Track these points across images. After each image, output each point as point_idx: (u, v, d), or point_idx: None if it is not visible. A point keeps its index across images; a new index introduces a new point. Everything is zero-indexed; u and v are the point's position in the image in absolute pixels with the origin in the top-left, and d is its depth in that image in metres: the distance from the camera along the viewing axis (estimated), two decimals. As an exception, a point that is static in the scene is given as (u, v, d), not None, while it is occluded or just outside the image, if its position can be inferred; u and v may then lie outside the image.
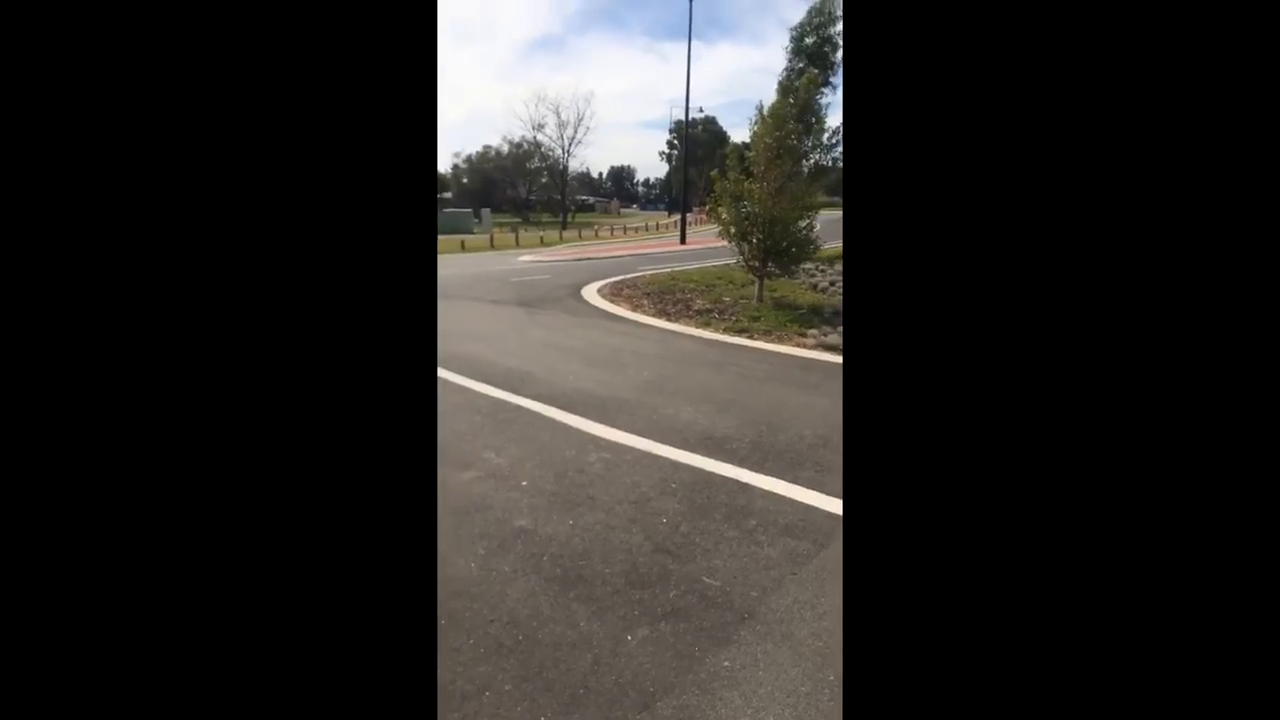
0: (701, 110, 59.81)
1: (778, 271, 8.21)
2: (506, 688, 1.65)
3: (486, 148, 50.79)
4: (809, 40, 11.65)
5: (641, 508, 2.62)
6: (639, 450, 3.23)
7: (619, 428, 3.53)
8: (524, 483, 2.84)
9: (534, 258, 16.72)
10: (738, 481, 2.87)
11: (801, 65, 11.56)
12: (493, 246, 20.90)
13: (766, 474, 2.94)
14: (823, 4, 11.57)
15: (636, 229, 35.07)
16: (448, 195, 45.19)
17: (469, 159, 50.72)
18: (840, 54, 11.58)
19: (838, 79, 11.53)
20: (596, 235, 29.79)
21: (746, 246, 7.90)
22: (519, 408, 3.89)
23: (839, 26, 11.45)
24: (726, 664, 1.74)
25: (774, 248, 7.71)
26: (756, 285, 8.10)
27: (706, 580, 2.12)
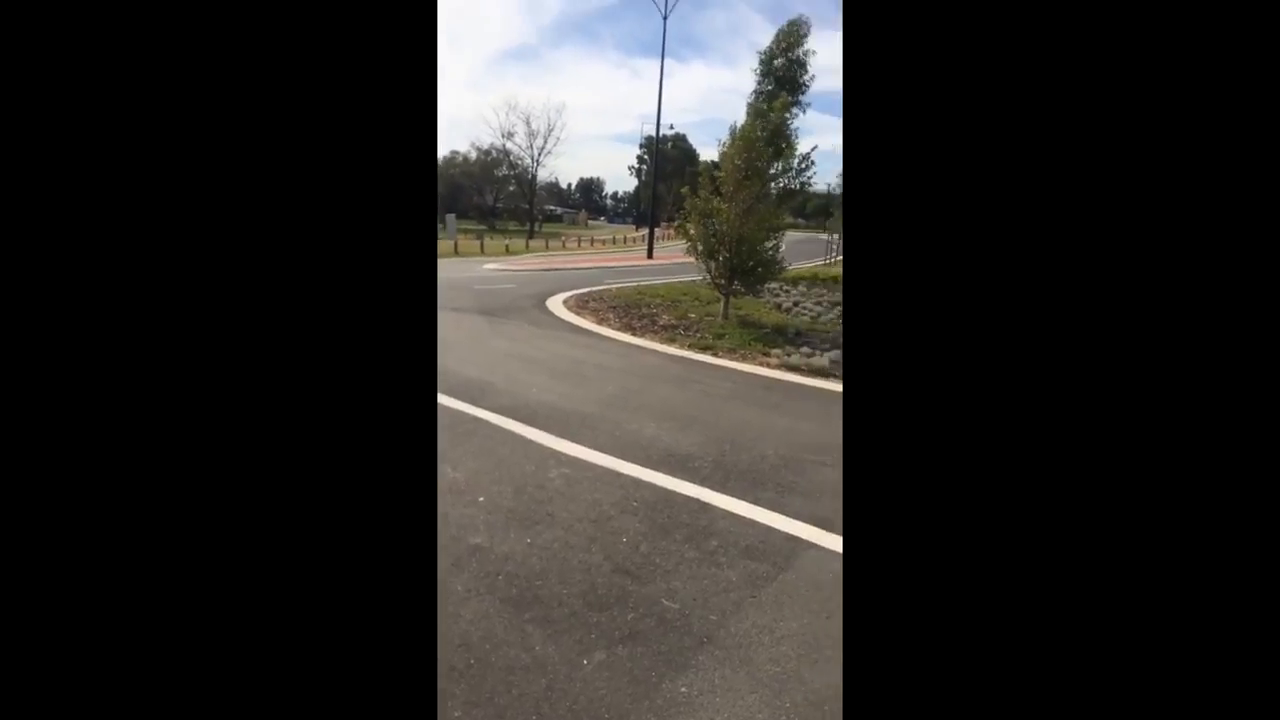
0: (672, 127, 60.41)
1: (743, 290, 8.29)
2: (456, 714, 1.58)
3: (454, 153, 50.30)
4: (778, 61, 11.85)
5: (601, 526, 2.58)
6: (600, 467, 3.19)
7: (581, 443, 3.48)
8: (481, 498, 2.77)
9: (499, 266, 16.57)
10: (699, 501, 2.85)
11: (770, 87, 11.74)
12: (457, 253, 20.64)
13: (728, 494, 2.93)
14: (791, 26, 11.79)
15: (604, 241, 35.06)
16: (413, 199, 44.22)
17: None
18: (809, 75, 11.78)
19: (806, 98, 11.73)
20: (564, 246, 29.70)
21: (713, 264, 7.96)
22: (478, 420, 3.81)
23: (806, 46, 11.65)
24: (684, 690, 1.71)
25: (740, 266, 7.78)
26: (722, 303, 8.16)
27: (666, 603, 2.09)
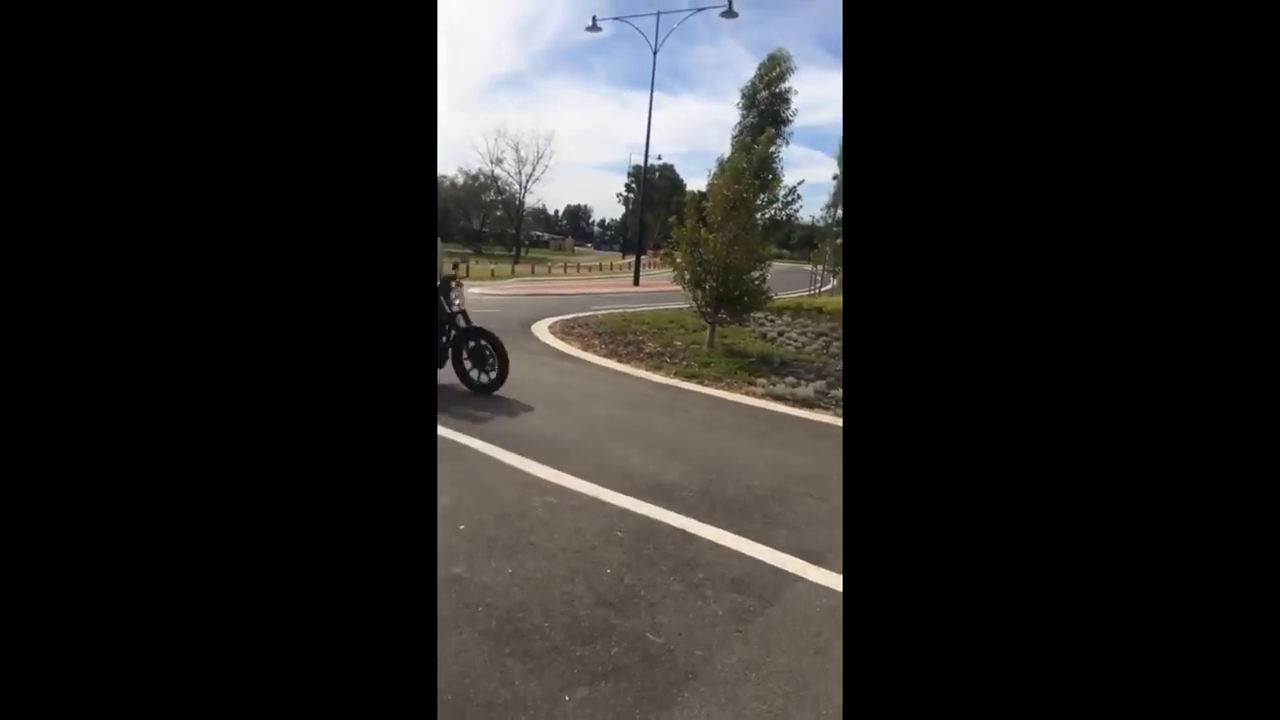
0: (660, 158, 60.99)
1: (729, 319, 8.33)
2: (431, 755, 1.52)
3: (442, 177, 50.43)
4: (761, 95, 12.06)
5: (585, 557, 2.53)
6: (585, 495, 3.14)
7: (565, 470, 3.44)
8: (462, 526, 2.71)
9: (484, 291, 16.52)
10: (684, 532, 2.81)
11: (753, 120, 11.93)
12: (444, 276, 20.58)
13: (714, 525, 2.89)
14: (772, 60, 12.01)
15: (590, 268, 35.18)
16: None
17: (424, 187, 49.98)
18: (791, 109, 11.99)
19: (789, 130, 11.92)
20: (550, 271, 29.76)
21: (700, 293, 7.99)
22: (461, 445, 3.75)
23: (788, 82, 11.88)
24: (668, 729, 1.66)
25: (726, 295, 7.82)
26: (708, 331, 8.18)
27: (650, 637, 2.04)
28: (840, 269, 21.76)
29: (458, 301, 5.21)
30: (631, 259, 27.51)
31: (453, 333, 5.17)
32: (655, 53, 20.64)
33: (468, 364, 5.09)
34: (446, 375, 5.02)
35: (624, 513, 2.97)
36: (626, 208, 62.53)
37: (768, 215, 8.50)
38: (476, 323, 5.33)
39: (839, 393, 5.73)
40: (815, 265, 24.11)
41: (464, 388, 5.06)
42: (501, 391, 5.04)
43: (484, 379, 5.06)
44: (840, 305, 13.87)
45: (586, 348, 7.76)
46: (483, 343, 5.12)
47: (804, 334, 9.90)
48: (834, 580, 2.46)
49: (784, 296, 13.62)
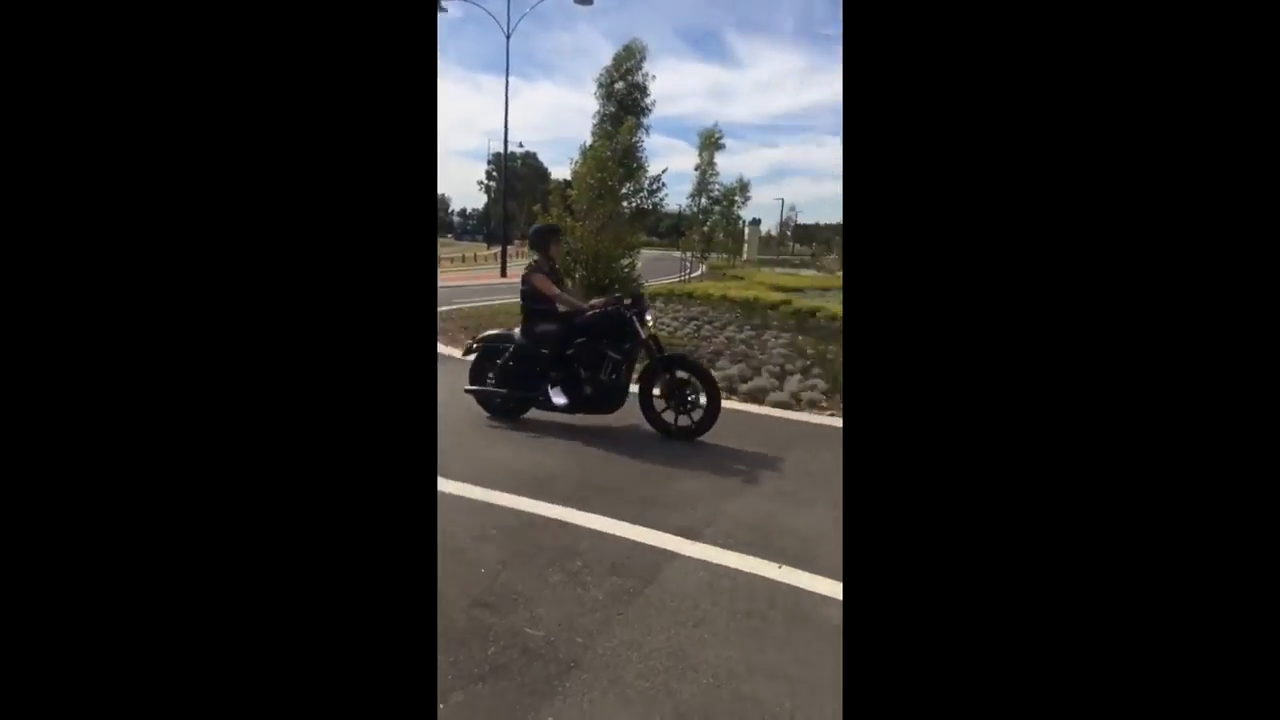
0: (521, 145, 59.75)
1: (600, 307, 8.35)
2: (288, 791, 1.38)
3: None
4: (618, 85, 12.12)
5: (456, 559, 2.42)
6: (453, 495, 3.01)
7: (434, 470, 3.27)
8: (320, 538, 2.50)
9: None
10: (560, 522, 2.77)
11: (612, 109, 11.98)
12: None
13: (591, 511, 2.87)
14: (627, 50, 12.10)
15: (452, 259, 33.68)
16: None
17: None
18: (650, 99, 12.17)
19: (648, 121, 12.07)
20: (411, 266, 28.25)
21: (570, 281, 7.94)
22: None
23: (644, 72, 12.03)
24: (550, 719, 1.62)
25: (597, 283, 7.84)
26: (579, 320, 8.16)
27: (529, 631, 1.98)
28: (708, 255, 22.45)
29: (650, 322, 4.13)
30: (496, 250, 26.82)
31: (641, 359, 4.10)
32: (509, 37, 20.08)
33: (660, 403, 4.01)
34: (623, 416, 4.21)
35: (497, 509, 2.87)
36: (489, 196, 60.79)
37: (634, 204, 8.60)
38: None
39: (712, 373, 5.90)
40: (684, 252, 24.72)
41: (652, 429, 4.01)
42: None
43: (684, 421, 3.91)
44: (709, 291, 14.36)
45: (452, 342, 7.45)
46: (683, 375, 3.94)
47: (676, 319, 10.10)
48: (711, 553, 2.53)
49: (655, 283, 13.86)
